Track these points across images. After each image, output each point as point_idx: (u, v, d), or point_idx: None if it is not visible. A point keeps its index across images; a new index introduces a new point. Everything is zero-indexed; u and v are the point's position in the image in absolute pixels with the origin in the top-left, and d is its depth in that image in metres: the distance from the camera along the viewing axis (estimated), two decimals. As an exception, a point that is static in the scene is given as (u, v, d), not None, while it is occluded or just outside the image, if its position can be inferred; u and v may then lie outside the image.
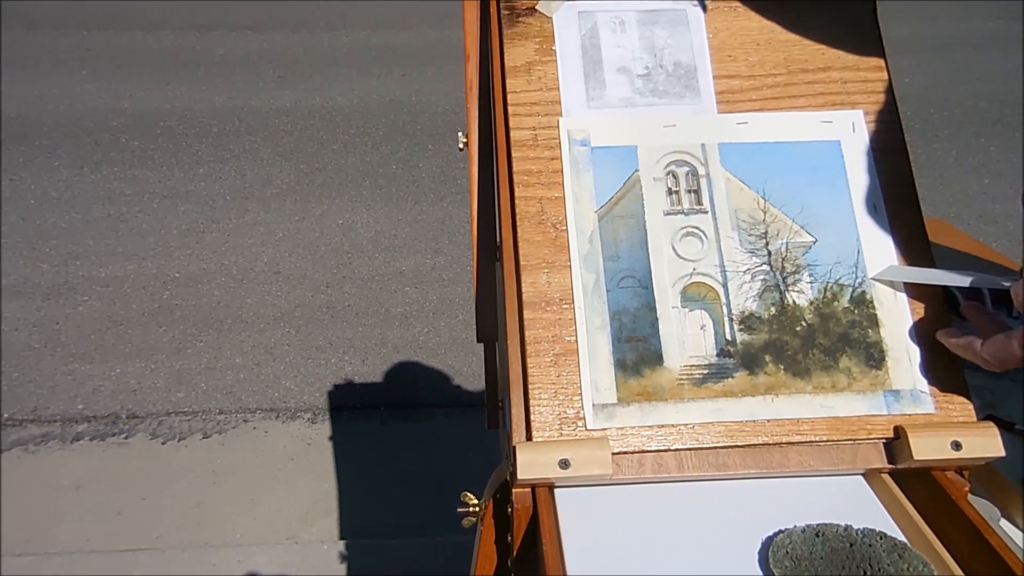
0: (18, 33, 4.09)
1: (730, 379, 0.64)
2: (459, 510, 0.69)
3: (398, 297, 2.74)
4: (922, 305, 0.67)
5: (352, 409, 2.38)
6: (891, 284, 0.67)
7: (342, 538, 1.99)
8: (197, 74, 3.89)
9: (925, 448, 0.60)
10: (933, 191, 3.21)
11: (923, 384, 0.65)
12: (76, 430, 2.29)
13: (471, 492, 0.74)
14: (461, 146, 0.80)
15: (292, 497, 2.10)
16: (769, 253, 0.68)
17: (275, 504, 2.08)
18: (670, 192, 0.69)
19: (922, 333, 0.66)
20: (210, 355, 2.53)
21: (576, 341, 0.65)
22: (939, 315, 0.67)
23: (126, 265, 2.86)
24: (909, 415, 0.64)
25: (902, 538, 0.60)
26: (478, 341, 0.90)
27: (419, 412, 2.37)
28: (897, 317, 0.66)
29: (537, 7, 0.75)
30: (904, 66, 3.83)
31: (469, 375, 2.46)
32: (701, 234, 0.68)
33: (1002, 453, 0.61)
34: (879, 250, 0.68)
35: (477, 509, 0.70)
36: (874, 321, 0.66)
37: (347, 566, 1.86)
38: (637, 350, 0.65)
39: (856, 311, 0.66)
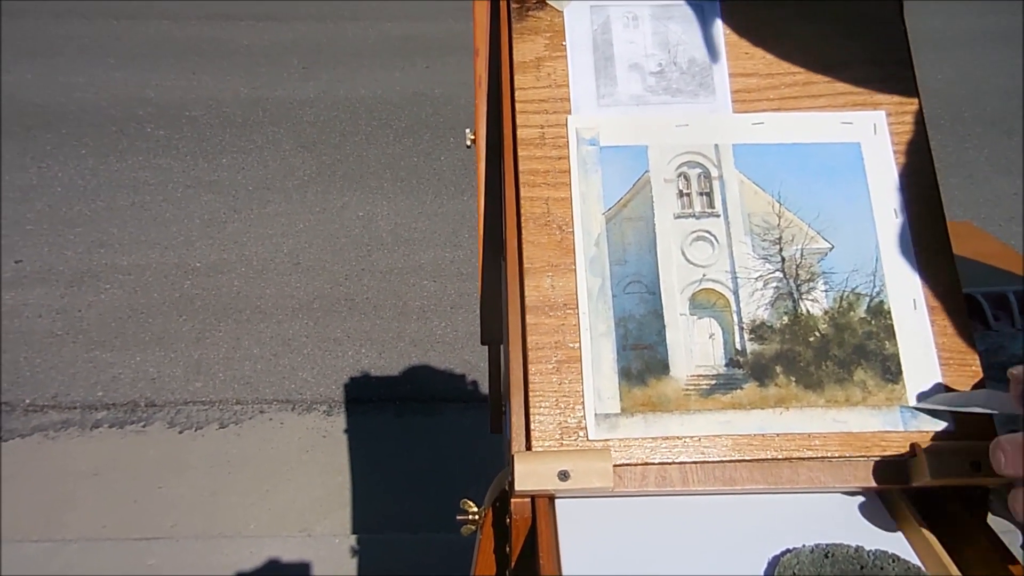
0: (47, 21, 4.13)
1: (739, 390, 0.62)
2: (458, 518, 0.68)
3: (416, 291, 2.73)
4: (943, 316, 0.64)
5: (368, 402, 2.38)
6: (913, 302, 0.64)
7: (355, 532, 1.98)
8: (222, 64, 3.91)
9: (942, 468, 0.58)
10: (963, 191, 3.14)
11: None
12: (95, 417, 2.31)
13: (471, 499, 0.72)
14: (469, 143, 0.78)
15: (306, 489, 2.10)
16: (783, 259, 0.65)
17: (289, 496, 2.08)
18: (681, 194, 0.67)
19: (942, 346, 0.63)
20: (228, 345, 2.54)
21: (580, 348, 0.63)
22: (961, 327, 0.64)
23: (149, 254, 2.88)
24: (926, 432, 0.61)
25: (916, 561, 0.57)
26: (482, 343, 0.88)
27: (435, 407, 2.36)
28: (916, 329, 0.63)
29: (548, 0, 0.73)
30: (935, 62, 3.74)
31: (485, 371, 2.44)
32: (712, 238, 0.66)
33: (1024, 474, 0.58)
34: (899, 258, 0.65)
35: (476, 517, 0.68)
36: (891, 333, 0.63)
37: (359, 560, 1.86)
38: (643, 358, 0.62)
39: (873, 322, 0.63)
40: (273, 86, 3.77)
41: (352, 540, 1.92)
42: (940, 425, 0.61)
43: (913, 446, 0.60)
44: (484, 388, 2.40)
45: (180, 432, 2.27)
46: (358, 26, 4.21)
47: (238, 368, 2.47)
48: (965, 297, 0.81)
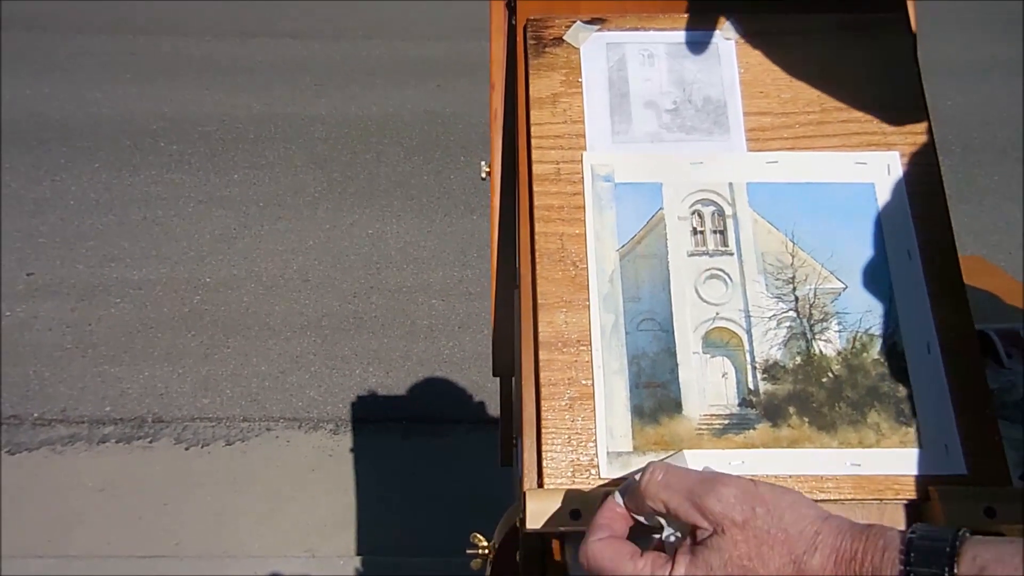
0: (67, 37, 4.18)
1: (751, 430, 0.62)
2: (468, 551, 0.68)
3: (424, 309, 2.73)
4: (957, 359, 0.64)
5: (374, 422, 2.38)
6: (927, 346, 0.64)
7: (359, 553, 1.98)
8: (236, 80, 3.93)
9: (956, 515, 0.57)
10: (973, 218, 3.13)
11: (955, 443, 0.62)
12: (103, 432, 2.31)
13: (478, 525, 0.72)
14: (484, 175, 0.78)
15: (311, 509, 2.10)
16: (796, 299, 0.65)
17: (294, 515, 2.08)
18: (695, 232, 0.67)
19: (956, 389, 0.63)
20: (237, 362, 2.54)
21: (592, 385, 0.63)
22: (975, 370, 0.64)
23: (159, 269, 2.89)
24: (940, 475, 0.61)
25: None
26: (494, 375, 0.88)
27: (441, 427, 2.36)
28: (930, 371, 0.63)
29: (564, 37, 0.74)
30: (946, 88, 3.74)
31: (493, 392, 2.43)
32: (726, 277, 0.66)
33: (1040, 521, 0.57)
34: (912, 299, 0.65)
35: (486, 551, 0.68)
36: (905, 375, 0.63)
37: (362, 582, 1.86)
38: (655, 396, 0.62)
39: (886, 364, 0.63)
40: (286, 103, 3.79)
41: (357, 562, 1.92)
42: (955, 469, 0.61)
43: (927, 490, 0.60)
44: (491, 409, 2.39)
45: (187, 449, 2.27)
46: (371, 45, 4.24)
47: (246, 385, 2.47)
48: (977, 334, 0.81)
